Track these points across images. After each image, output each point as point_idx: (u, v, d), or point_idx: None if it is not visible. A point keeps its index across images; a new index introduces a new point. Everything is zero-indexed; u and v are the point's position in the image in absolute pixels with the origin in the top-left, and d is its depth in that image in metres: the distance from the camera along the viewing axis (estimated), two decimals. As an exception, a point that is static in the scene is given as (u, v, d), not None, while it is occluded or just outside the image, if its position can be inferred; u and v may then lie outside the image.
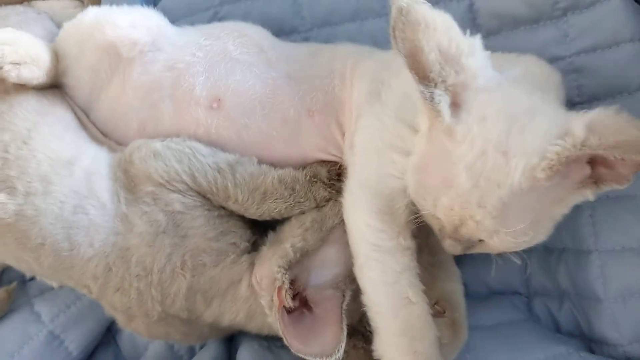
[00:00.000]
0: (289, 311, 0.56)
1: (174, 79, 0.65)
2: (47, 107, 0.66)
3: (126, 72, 0.67)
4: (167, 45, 0.67)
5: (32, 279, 0.79)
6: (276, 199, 0.61)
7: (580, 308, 0.67)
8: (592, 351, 0.65)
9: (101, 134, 0.69)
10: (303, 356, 0.54)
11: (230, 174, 0.61)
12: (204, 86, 0.64)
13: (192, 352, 0.76)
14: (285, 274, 0.56)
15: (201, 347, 0.75)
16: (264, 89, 0.64)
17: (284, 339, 0.54)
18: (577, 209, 0.64)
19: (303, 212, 0.62)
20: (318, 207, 0.62)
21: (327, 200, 0.62)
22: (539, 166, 0.43)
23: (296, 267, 0.58)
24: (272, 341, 0.70)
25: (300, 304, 0.56)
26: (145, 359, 0.76)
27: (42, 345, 0.72)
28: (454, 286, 0.63)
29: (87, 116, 0.70)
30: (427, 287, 0.59)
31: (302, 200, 0.61)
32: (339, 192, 0.61)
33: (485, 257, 0.72)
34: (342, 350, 0.53)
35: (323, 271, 0.59)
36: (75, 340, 0.74)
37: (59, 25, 0.75)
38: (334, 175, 0.62)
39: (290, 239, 0.59)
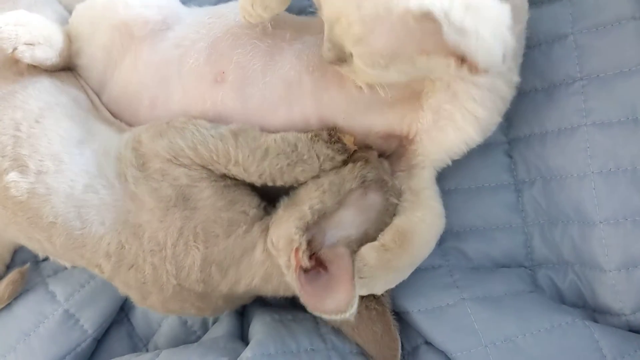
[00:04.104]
0: (306, 271, 0.57)
1: (180, 55, 0.67)
2: (60, 88, 0.67)
3: (137, 51, 0.68)
4: (176, 24, 0.69)
5: (46, 259, 0.80)
6: (278, 154, 0.61)
7: (584, 279, 0.69)
8: (595, 321, 0.66)
9: (112, 115, 0.70)
10: (319, 314, 0.55)
11: (232, 138, 0.62)
12: (207, 61, 0.66)
13: (205, 327, 0.77)
14: (303, 235, 0.57)
15: (214, 323, 0.76)
16: (263, 57, 0.65)
17: (301, 298, 0.55)
18: (580, 181, 0.67)
19: (304, 171, 0.62)
20: (321, 166, 0.62)
21: (331, 160, 0.62)
22: (416, 1, 0.45)
23: (313, 228, 0.58)
24: (283, 314, 0.72)
25: (316, 263, 0.57)
26: (158, 335, 0.78)
27: (58, 324, 0.74)
28: (422, 218, 0.64)
29: (99, 98, 0.71)
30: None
31: (304, 157, 0.62)
32: (340, 152, 0.62)
33: (490, 233, 0.75)
34: (355, 306, 0.54)
35: (338, 232, 0.60)
36: (91, 318, 0.75)
37: (66, 8, 0.76)
38: (334, 136, 0.63)
39: (308, 201, 0.60)
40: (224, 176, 0.63)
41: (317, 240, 0.59)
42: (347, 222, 0.60)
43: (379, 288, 0.61)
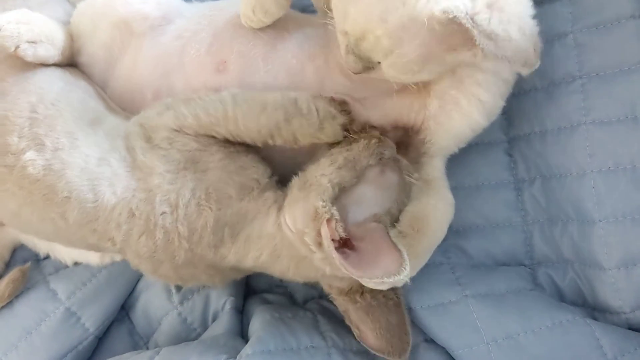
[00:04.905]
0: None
1: (181, 47, 0.68)
2: (70, 77, 0.69)
3: (137, 47, 0.69)
4: (176, 18, 0.70)
5: (47, 257, 0.80)
6: (276, 108, 0.61)
7: (584, 277, 0.69)
8: (595, 319, 0.66)
9: (118, 107, 0.71)
10: (367, 280, 0.52)
11: (231, 98, 0.62)
12: (208, 51, 0.67)
13: (205, 325, 0.77)
14: (333, 206, 0.55)
15: (214, 320, 0.77)
16: (265, 47, 0.66)
17: (342, 268, 0.52)
18: (580, 179, 0.67)
19: (302, 126, 0.61)
20: (321, 124, 0.61)
21: (332, 118, 0.62)
22: (439, 7, 0.46)
23: (335, 204, 0.56)
24: (283, 312, 0.72)
25: (340, 244, 0.54)
26: (159, 333, 0.78)
27: (59, 322, 0.74)
28: (435, 204, 0.64)
29: (105, 92, 0.72)
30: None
31: (304, 111, 0.61)
32: (342, 112, 0.62)
33: (490, 231, 0.75)
34: (407, 269, 0.51)
35: (360, 209, 0.58)
36: (92, 317, 0.75)
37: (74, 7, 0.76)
38: (338, 102, 0.63)
39: (325, 176, 0.58)
40: (230, 142, 0.63)
41: (341, 217, 0.56)
42: (369, 199, 0.59)
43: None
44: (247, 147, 0.64)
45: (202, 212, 0.60)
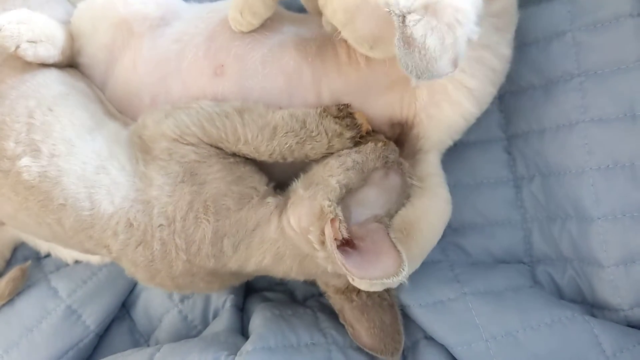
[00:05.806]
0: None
1: (179, 50, 0.67)
2: (69, 80, 0.68)
3: (137, 48, 0.69)
4: (174, 20, 0.70)
5: (47, 256, 0.81)
6: (287, 132, 0.61)
7: (583, 275, 0.69)
8: (594, 316, 0.66)
9: (117, 111, 0.71)
10: (368, 280, 0.53)
11: (238, 116, 0.62)
12: (206, 55, 0.66)
13: (206, 322, 0.78)
14: (338, 206, 0.56)
15: (214, 317, 0.77)
16: (262, 49, 0.66)
17: (343, 268, 0.53)
18: (579, 177, 0.67)
19: (313, 148, 0.62)
20: (329, 143, 0.62)
21: (339, 136, 0.62)
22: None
23: (339, 204, 0.57)
24: (283, 309, 0.72)
25: (342, 242, 0.55)
26: (159, 331, 0.78)
27: (60, 320, 0.74)
28: (429, 205, 0.64)
29: (103, 94, 0.71)
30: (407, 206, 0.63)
31: (313, 134, 0.61)
32: (348, 127, 0.62)
33: (489, 229, 0.75)
34: (406, 271, 0.52)
35: (363, 210, 0.59)
36: (93, 314, 0.75)
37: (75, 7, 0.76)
38: (345, 112, 0.62)
39: (333, 177, 0.59)
40: (233, 154, 0.63)
41: (344, 216, 0.57)
42: (372, 200, 0.60)
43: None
44: (245, 158, 0.64)
45: (200, 225, 0.60)
